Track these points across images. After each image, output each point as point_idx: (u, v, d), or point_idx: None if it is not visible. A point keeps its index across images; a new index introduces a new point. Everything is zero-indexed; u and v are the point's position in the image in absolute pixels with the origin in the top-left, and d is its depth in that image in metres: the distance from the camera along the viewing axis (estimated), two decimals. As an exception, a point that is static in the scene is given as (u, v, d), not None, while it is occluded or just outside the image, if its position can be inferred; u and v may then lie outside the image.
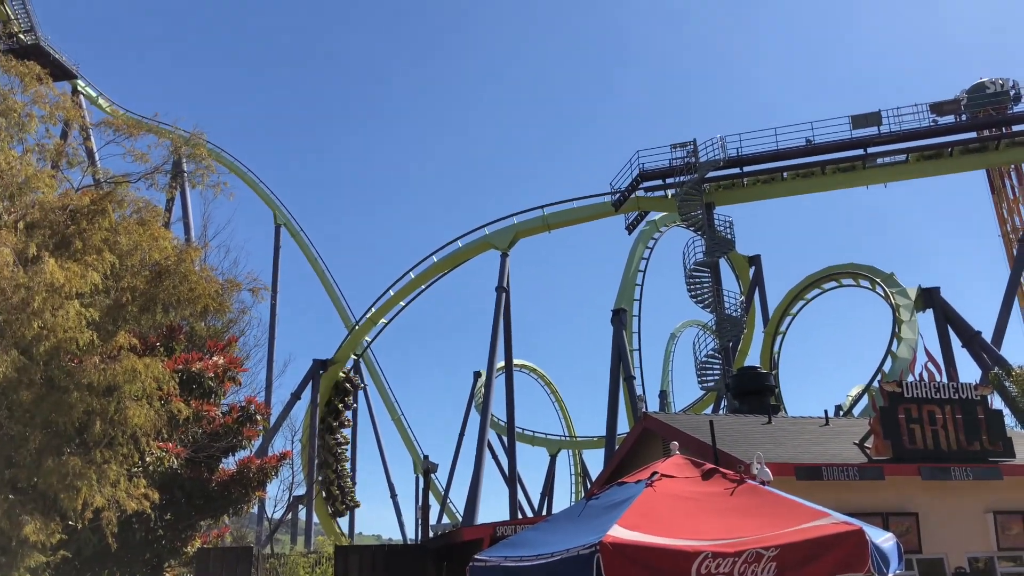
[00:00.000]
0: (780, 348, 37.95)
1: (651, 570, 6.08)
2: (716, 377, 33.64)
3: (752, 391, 21.09)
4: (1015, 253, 40.13)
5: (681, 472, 7.68)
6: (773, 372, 36.86)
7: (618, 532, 6.29)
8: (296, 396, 45.37)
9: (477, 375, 49.85)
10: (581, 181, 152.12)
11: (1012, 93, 38.69)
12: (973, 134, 37.38)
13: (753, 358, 39.02)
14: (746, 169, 37.56)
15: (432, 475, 51.16)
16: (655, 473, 7.59)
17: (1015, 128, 36.82)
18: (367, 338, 48.52)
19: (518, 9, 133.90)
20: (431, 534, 27.64)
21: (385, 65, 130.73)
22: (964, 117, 37.60)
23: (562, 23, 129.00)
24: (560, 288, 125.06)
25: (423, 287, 44.87)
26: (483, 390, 40.36)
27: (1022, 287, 45.37)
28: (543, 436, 58.27)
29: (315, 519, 46.68)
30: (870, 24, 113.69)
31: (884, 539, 6.78)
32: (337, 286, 52.81)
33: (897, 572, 6.76)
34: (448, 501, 54.42)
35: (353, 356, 49.78)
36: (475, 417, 47.04)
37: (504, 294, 40.23)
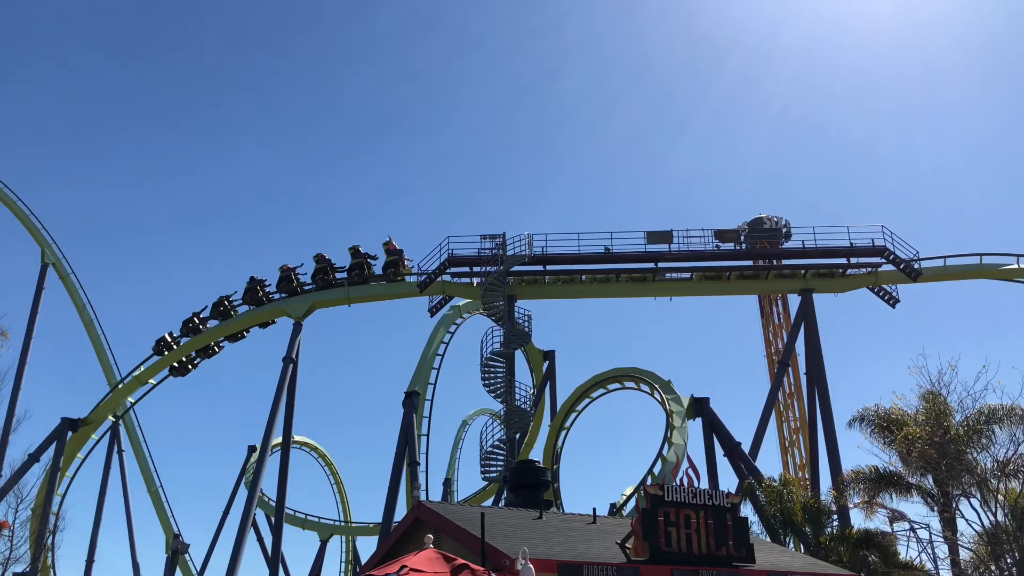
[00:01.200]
0: (564, 443, 39.22)
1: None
2: (499, 469, 34.10)
3: (528, 485, 21.52)
4: (775, 373, 44.40)
5: (431, 567, 7.68)
6: (555, 467, 37.93)
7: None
8: (34, 458, 40.80)
9: (251, 449, 47.40)
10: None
11: (784, 230, 43.42)
12: (749, 262, 41.35)
13: (538, 451, 40.06)
14: (549, 267, 39.39)
15: (184, 556, 47.36)
16: (403, 567, 7.52)
17: (784, 261, 41.11)
18: (130, 399, 44.93)
19: (338, 70, 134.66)
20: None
21: (189, 97, 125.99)
22: (743, 246, 41.62)
23: (383, 90, 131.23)
24: (353, 364, 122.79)
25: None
26: (255, 465, 38.35)
27: (779, 404, 50.09)
28: (315, 519, 55.85)
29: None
30: (676, 148, 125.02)
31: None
32: (105, 338, 48.37)
33: None
34: (202, 586, 50.45)
35: (111, 417, 45.77)
36: (244, 494, 44.34)
37: (292, 365, 38.96)
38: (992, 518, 21.94)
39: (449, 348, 44.47)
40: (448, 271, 39.22)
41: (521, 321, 37.77)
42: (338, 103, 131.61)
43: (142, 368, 42.61)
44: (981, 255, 41.24)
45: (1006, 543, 21.64)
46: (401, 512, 37.35)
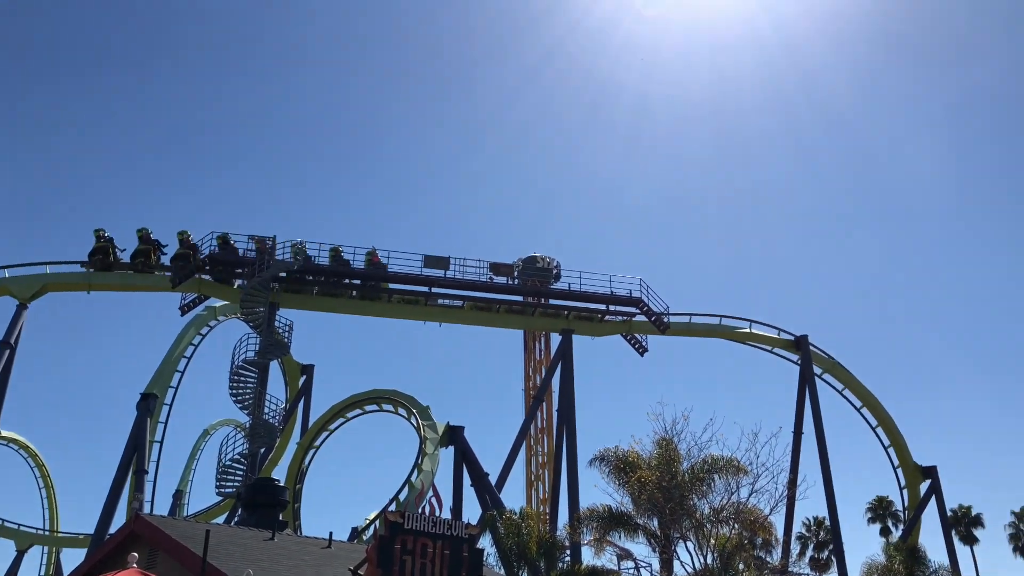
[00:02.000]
0: (311, 462, 37.75)
1: None
2: (237, 484, 32.05)
3: (263, 503, 20.32)
4: (530, 408, 45.85)
5: (129, 589, 6.72)
6: (298, 486, 36.37)
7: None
8: None
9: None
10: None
11: (554, 271, 45.23)
12: (520, 298, 42.51)
13: (283, 469, 38.23)
14: (319, 278, 38.04)
15: None
16: (96, 589, 6.53)
17: (551, 301, 42.73)
18: None
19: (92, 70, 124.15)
20: None
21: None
22: (516, 281, 42.81)
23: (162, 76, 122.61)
24: (88, 357, 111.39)
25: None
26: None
27: (530, 439, 51.71)
28: (13, 526, 49.41)
29: None
30: (462, 176, 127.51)
31: None
32: None
33: None
34: None
35: None
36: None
37: (9, 351, 34.29)
38: (703, 560, 23.66)
39: (199, 351, 41.57)
40: (208, 268, 36.65)
41: (281, 331, 36.08)
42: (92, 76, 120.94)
43: None
44: (721, 316, 45.47)
45: (713, 584, 23.37)
46: (120, 524, 33.96)
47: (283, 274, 36.52)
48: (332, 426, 38.14)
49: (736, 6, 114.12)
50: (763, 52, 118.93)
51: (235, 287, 37.11)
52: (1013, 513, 58.01)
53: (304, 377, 44.54)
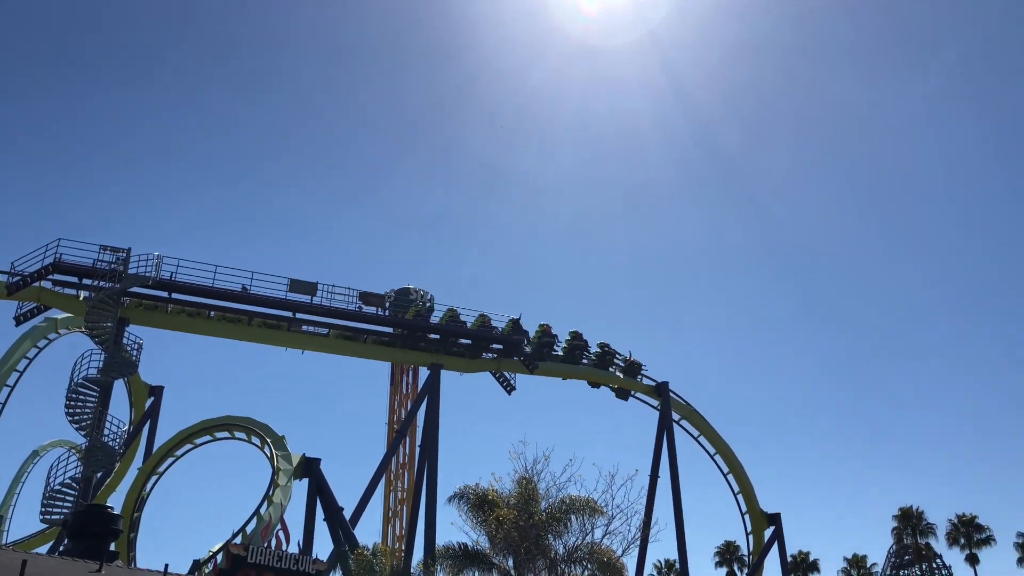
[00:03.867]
0: (152, 489, 35.39)
1: None
2: (67, 510, 29.51)
3: (93, 532, 18.74)
4: (392, 442, 44.83)
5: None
6: (136, 515, 34.00)
7: None
8: None
9: None
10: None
11: (428, 304, 44.78)
12: (390, 329, 41.65)
13: (120, 496, 35.58)
14: (175, 296, 36.07)
15: None
16: None
17: (422, 335, 42.04)
18: None
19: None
20: None
21: None
22: (388, 312, 41.97)
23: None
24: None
25: None
26: None
27: (391, 474, 50.57)
28: None
29: None
30: (335, 209, 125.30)
31: None
32: None
33: None
34: None
35: None
36: None
37: None
38: (554, 600, 23.59)
39: (35, 365, 38.39)
40: (51, 277, 34.00)
41: (130, 349, 33.80)
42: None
43: None
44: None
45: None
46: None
47: (137, 289, 34.39)
48: (179, 452, 35.93)
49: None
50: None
51: (81, 299, 34.59)
52: (846, 559, 61.69)
53: (152, 399, 41.87)
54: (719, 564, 54.37)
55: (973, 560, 56.50)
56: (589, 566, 24.58)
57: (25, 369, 37.72)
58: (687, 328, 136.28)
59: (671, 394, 47.29)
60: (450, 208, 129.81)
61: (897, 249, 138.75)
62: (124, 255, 33.57)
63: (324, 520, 35.41)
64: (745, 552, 51.02)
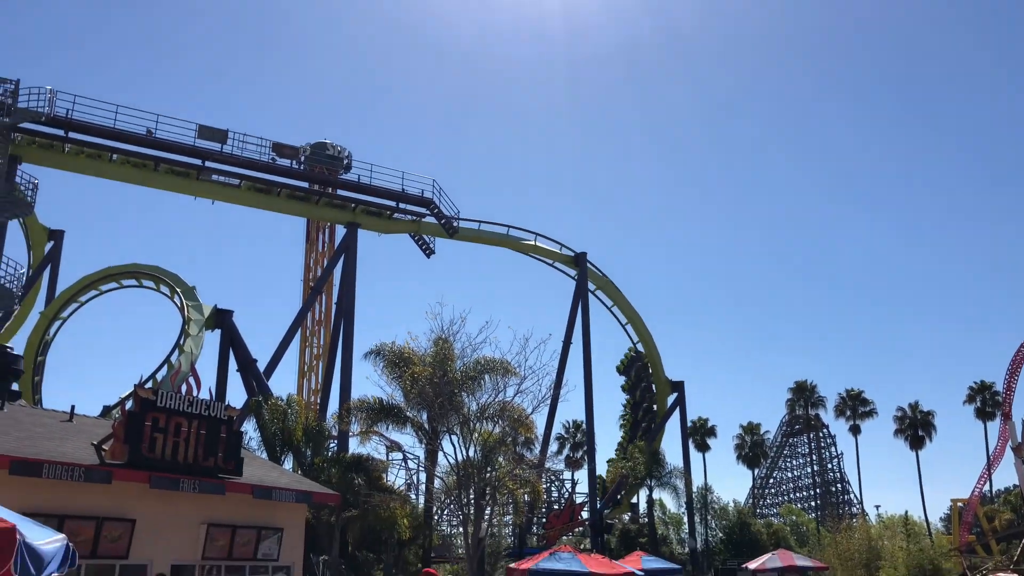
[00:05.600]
0: (56, 334, 34.46)
1: None
2: (-36, 351, 28.51)
3: (-7, 371, 18.14)
4: (308, 298, 44.56)
5: None
6: (40, 358, 33.21)
7: None
8: None
9: None
10: None
11: (345, 161, 43.52)
12: (305, 184, 40.37)
13: (22, 338, 34.59)
14: (73, 135, 33.84)
15: None
16: None
17: (339, 191, 41.09)
18: None
19: None
20: None
21: None
22: (303, 166, 40.51)
23: None
24: None
25: None
26: None
27: (306, 330, 50.59)
28: None
29: None
30: (244, 47, 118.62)
31: (48, 540, 5.95)
32: None
33: (57, 574, 6.06)
34: None
35: None
36: None
37: None
38: (466, 453, 24.50)
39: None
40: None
41: (24, 188, 31.88)
42: None
43: None
44: (509, 227, 46.27)
45: (472, 476, 24.34)
46: None
47: (29, 124, 32.09)
48: (83, 298, 34.90)
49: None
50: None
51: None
52: (741, 427, 65.96)
53: (52, 243, 40.03)
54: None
55: (856, 431, 61.18)
56: (500, 422, 25.42)
57: (-90, 205, 35.35)
58: (604, 200, 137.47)
59: (589, 265, 48.10)
60: (367, 65, 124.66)
61: (806, 121, 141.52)
62: (12, 86, 31.01)
63: (237, 371, 35.33)
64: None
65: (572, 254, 47.96)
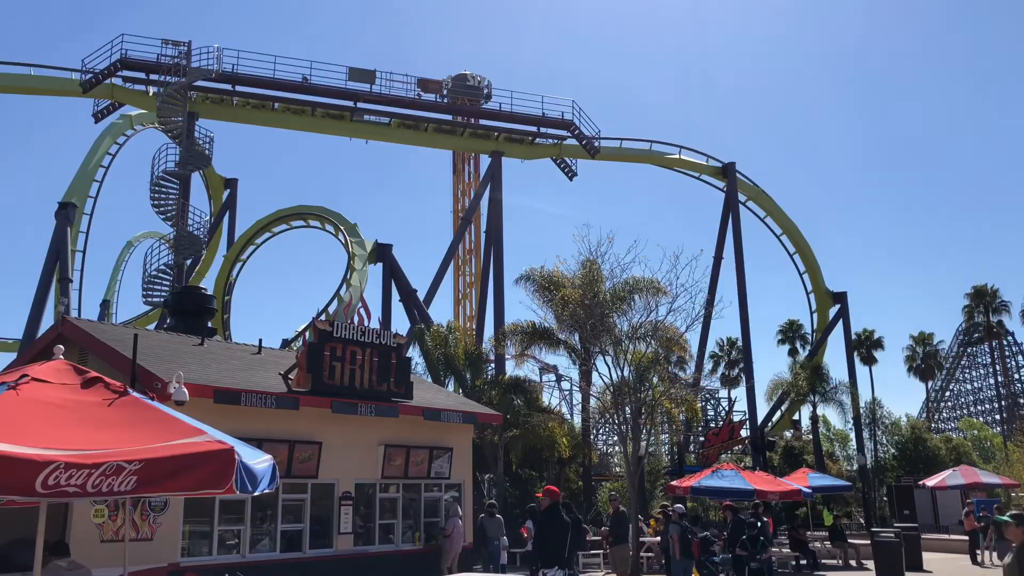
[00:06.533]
0: (238, 275, 37.71)
1: (-14, 481, 5.28)
2: (164, 294, 31.92)
3: (191, 311, 20.41)
4: (459, 228, 46.13)
5: (57, 378, 6.82)
6: (226, 298, 36.49)
7: (-50, 435, 5.32)
8: None
9: None
10: (43, 46, 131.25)
11: (485, 91, 44.11)
12: (448, 116, 41.47)
13: (210, 281, 38.14)
14: (239, 88, 36.25)
15: None
16: (24, 375, 6.61)
17: (481, 121, 41.91)
18: None
19: None
20: None
21: None
22: (446, 99, 41.56)
23: None
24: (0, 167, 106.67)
25: None
26: None
27: (458, 259, 52.46)
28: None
29: None
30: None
31: (259, 460, 6.87)
32: None
33: (267, 490, 6.95)
34: None
35: None
36: None
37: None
38: (620, 373, 25.06)
39: (116, 161, 40.00)
40: (120, 74, 34.48)
41: (202, 142, 34.70)
42: None
43: None
44: (652, 142, 45.60)
45: (626, 395, 24.93)
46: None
47: (201, 82, 34.68)
48: (258, 240, 37.86)
49: None
50: None
51: (151, 94, 35.21)
52: (911, 337, 62.75)
53: (228, 191, 43.51)
54: (781, 342, 55.79)
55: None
56: (653, 342, 25.70)
57: (109, 165, 39.35)
58: (752, 109, 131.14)
59: (738, 175, 46.71)
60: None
61: (974, 25, 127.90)
62: (185, 48, 33.60)
63: (399, 301, 37.44)
64: (809, 331, 52.17)
65: (719, 165, 46.64)
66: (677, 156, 46.06)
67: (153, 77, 34.63)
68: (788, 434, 47.94)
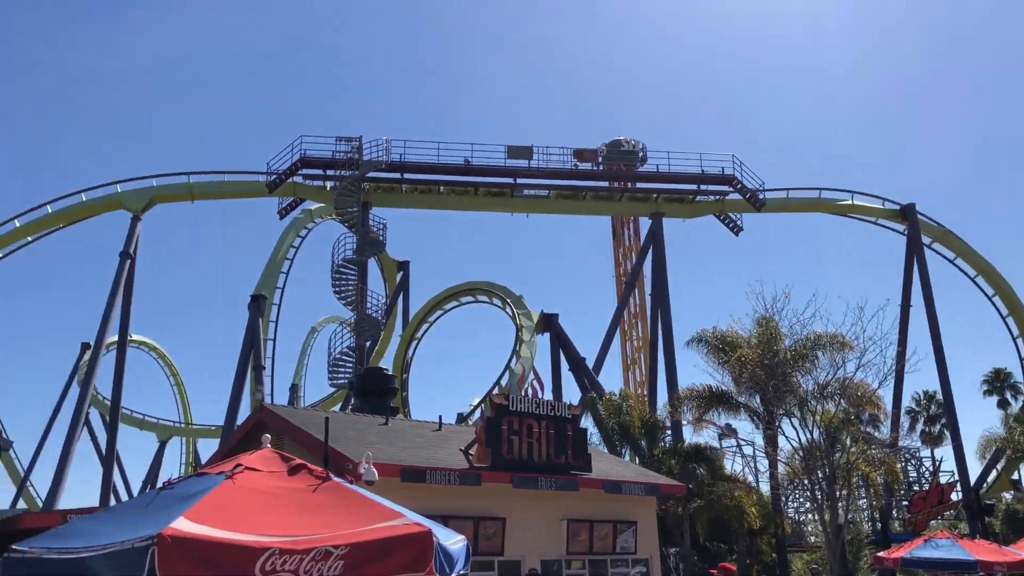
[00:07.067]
0: (414, 353, 39.11)
1: (212, 566, 5.54)
2: (348, 376, 33.57)
3: (375, 392, 21.24)
4: (623, 293, 45.85)
5: (267, 466, 7.16)
6: (404, 376, 37.86)
7: (182, 525, 5.64)
8: None
9: (85, 347, 44.70)
10: (232, 155, 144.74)
11: (640, 154, 44.20)
12: (605, 183, 41.85)
13: (388, 360, 39.83)
14: (406, 175, 38.30)
15: (8, 453, 44.97)
16: (238, 465, 6.99)
17: (638, 185, 41.91)
18: (-51, 289, 41.01)
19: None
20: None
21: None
22: (601, 167, 42.02)
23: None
24: (197, 264, 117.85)
25: (31, 239, 38.90)
26: (88, 363, 36.14)
27: (623, 324, 51.98)
28: (153, 420, 53.94)
29: None
30: (535, 63, 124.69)
31: (453, 541, 6.86)
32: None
33: (462, 573, 6.91)
34: (29, 484, 47.84)
35: (-73, 308, 41.90)
36: (76, 392, 42.01)
37: (129, 261, 36.41)
38: (809, 436, 23.58)
39: (300, 252, 43.00)
40: (300, 172, 37.41)
41: (376, 229, 36.77)
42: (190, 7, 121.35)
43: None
44: (820, 189, 43.67)
45: (818, 459, 23.38)
46: (244, 416, 36.40)
47: (373, 173, 36.94)
48: (431, 318, 39.29)
49: None
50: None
51: (328, 189, 37.87)
52: None
53: (401, 273, 45.67)
54: (988, 393, 50.67)
55: None
56: (842, 401, 24.13)
57: (294, 257, 42.43)
58: (933, 143, 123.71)
59: (919, 216, 43.77)
60: (650, 53, 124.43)
61: None
62: (357, 143, 36.07)
63: (569, 370, 37.45)
64: (1020, 379, 47.29)
65: (897, 207, 43.86)
66: (850, 202, 43.89)
67: (329, 172, 37.30)
68: (1008, 496, 43.13)
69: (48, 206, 37.94)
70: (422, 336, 39.35)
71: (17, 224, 38.07)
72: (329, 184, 37.80)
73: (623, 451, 29.60)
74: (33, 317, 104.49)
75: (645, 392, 43.13)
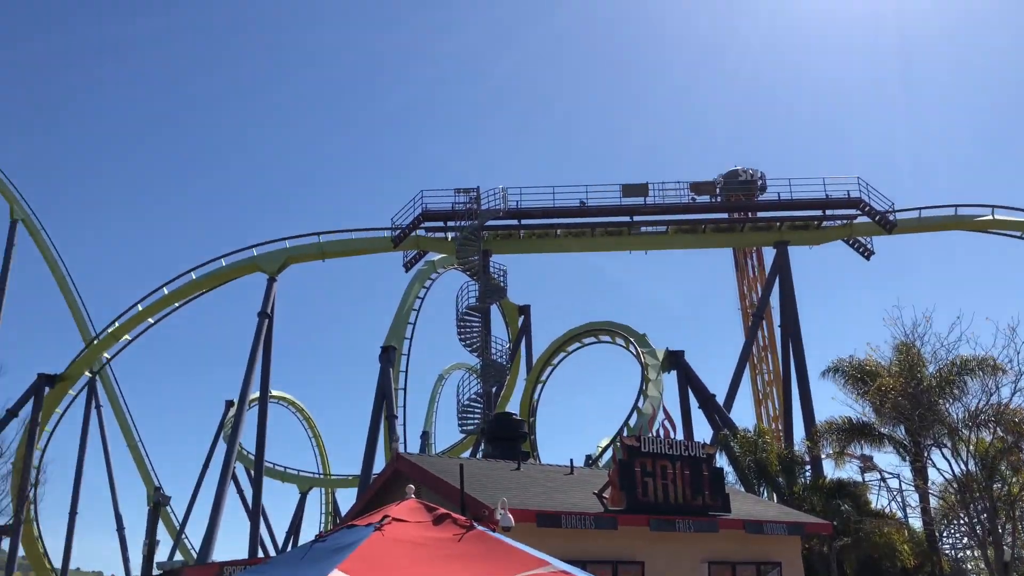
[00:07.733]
0: (540, 396, 39.28)
1: (367, 617, 5.82)
2: (477, 421, 34.07)
3: (505, 437, 21.47)
4: (750, 326, 44.60)
5: (412, 516, 7.43)
6: (531, 419, 38.03)
7: (336, 577, 5.96)
8: (13, 413, 40.32)
9: (229, 404, 47.29)
10: (358, 214, 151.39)
11: (759, 183, 43.26)
12: (724, 215, 41.12)
13: (514, 404, 40.13)
14: (524, 221, 38.89)
15: (166, 508, 47.79)
16: (385, 517, 7.30)
17: (759, 214, 40.95)
18: (107, 354, 44.45)
19: (305, 26, 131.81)
20: (155, 572, 25.32)
21: (161, 62, 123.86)
22: (719, 198, 41.35)
23: (357, 47, 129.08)
24: (329, 319, 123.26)
25: (177, 304, 41.82)
26: (233, 420, 38.24)
27: (753, 357, 50.47)
28: (294, 472, 56.21)
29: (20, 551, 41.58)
30: (650, 98, 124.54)
31: (600, 588, 6.94)
32: (79, 295, 48.05)
33: None
34: (184, 537, 50.59)
35: (88, 373, 45.45)
36: (223, 448, 44.42)
37: (267, 320, 38.52)
38: (963, 467, 22.17)
39: (425, 303, 44.26)
40: (422, 225, 38.68)
41: (496, 276, 37.45)
42: (305, 62, 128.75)
43: (117, 324, 41.94)
44: (956, 206, 41.33)
45: (976, 491, 21.92)
46: (380, 465, 37.42)
47: (491, 221, 37.78)
48: (555, 360, 39.38)
49: None
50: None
51: (449, 239, 38.96)
52: None
53: (522, 317, 46.15)
54: None
55: None
56: (997, 428, 22.60)
57: (420, 308, 43.77)
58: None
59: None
60: (766, 80, 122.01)
61: None
62: (475, 193, 37.10)
63: (698, 408, 36.62)
64: None
65: (1053, 218, 40.98)
66: (990, 217, 41.34)
67: (450, 224, 38.42)
68: None
69: (192, 273, 40.81)
70: (547, 379, 39.52)
71: (166, 291, 41.07)
72: (450, 235, 38.91)
73: (760, 489, 28.62)
74: (180, 379, 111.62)
75: (779, 427, 41.63)
